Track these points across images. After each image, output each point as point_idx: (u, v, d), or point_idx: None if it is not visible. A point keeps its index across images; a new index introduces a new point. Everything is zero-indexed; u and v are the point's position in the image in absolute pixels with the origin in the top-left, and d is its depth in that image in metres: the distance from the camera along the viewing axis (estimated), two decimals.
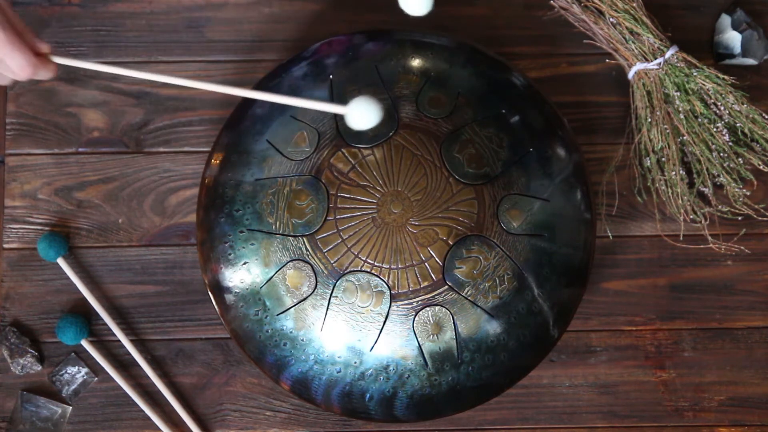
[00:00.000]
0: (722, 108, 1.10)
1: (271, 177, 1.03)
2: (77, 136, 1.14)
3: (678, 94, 1.10)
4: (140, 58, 1.16)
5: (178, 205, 1.14)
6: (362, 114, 0.85)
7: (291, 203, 1.01)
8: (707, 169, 1.10)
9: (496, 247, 1.01)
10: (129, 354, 1.11)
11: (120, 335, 1.11)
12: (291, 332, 1.02)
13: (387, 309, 1.00)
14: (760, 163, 1.11)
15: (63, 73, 1.15)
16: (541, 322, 1.03)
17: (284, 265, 1.01)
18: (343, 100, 1.04)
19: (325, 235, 1.00)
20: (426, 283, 1.00)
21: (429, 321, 1.00)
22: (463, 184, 1.01)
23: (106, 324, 1.11)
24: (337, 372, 1.03)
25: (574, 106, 1.16)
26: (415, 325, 1.00)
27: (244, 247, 1.03)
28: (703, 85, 1.10)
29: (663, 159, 1.10)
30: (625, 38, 1.11)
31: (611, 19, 1.11)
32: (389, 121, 1.02)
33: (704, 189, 1.11)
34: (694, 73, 1.10)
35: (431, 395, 1.03)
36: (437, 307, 1.00)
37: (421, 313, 1.00)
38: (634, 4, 1.10)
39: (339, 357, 1.02)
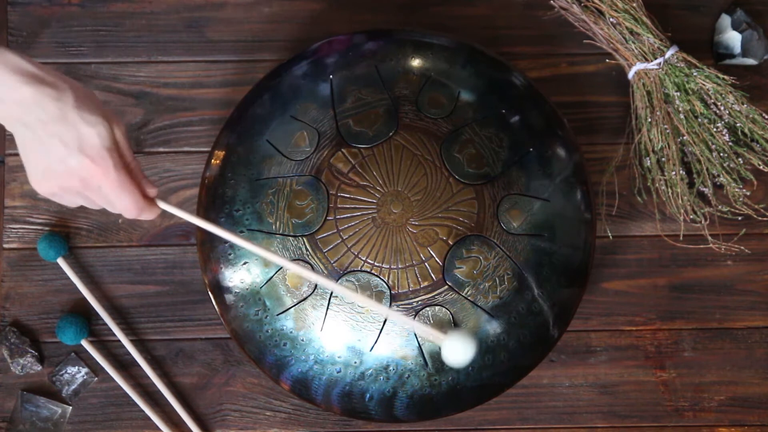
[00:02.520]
0: (722, 108, 1.10)
1: (271, 177, 1.03)
2: None
3: (678, 94, 1.10)
4: (140, 58, 1.16)
5: (178, 205, 1.13)
6: (458, 349, 0.84)
7: (291, 203, 1.01)
8: (707, 169, 1.10)
9: (496, 247, 1.01)
10: (129, 354, 1.11)
11: (120, 335, 1.11)
12: (291, 332, 1.02)
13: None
14: (760, 163, 1.11)
15: (63, 73, 1.15)
16: (541, 322, 1.03)
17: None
18: (343, 100, 1.04)
19: (325, 235, 1.00)
20: (426, 283, 1.00)
21: (429, 321, 1.00)
22: (463, 184, 1.01)
23: (106, 324, 1.11)
24: (337, 372, 1.03)
25: (574, 106, 1.16)
26: None
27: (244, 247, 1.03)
28: (703, 85, 1.10)
29: (663, 159, 1.10)
30: (625, 38, 1.11)
31: (611, 19, 1.11)
32: (389, 121, 1.02)
33: (704, 189, 1.11)
34: (694, 73, 1.10)
35: (431, 395, 1.03)
36: (437, 307, 1.00)
37: (421, 313, 1.00)
38: (634, 4, 1.10)
39: (339, 357, 1.02)
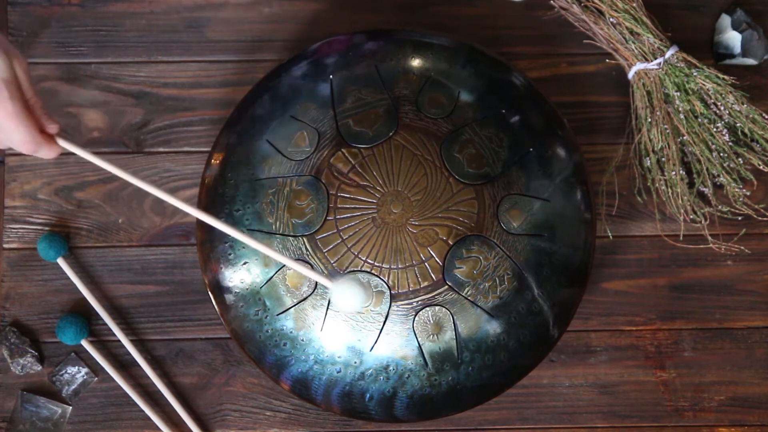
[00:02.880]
0: (722, 108, 1.10)
1: (271, 177, 1.03)
2: (77, 136, 1.14)
3: (678, 94, 1.10)
4: (140, 58, 1.16)
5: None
6: (347, 295, 0.87)
7: (291, 203, 1.01)
8: (707, 169, 1.10)
9: (496, 247, 1.01)
10: (129, 354, 1.11)
11: (120, 335, 1.11)
12: (291, 332, 1.02)
13: (387, 309, 1.00)
14: (760, 163, 1.11)
15: (63, 73, 1.15)
16: (541, 322, 1.03)
17: (284, 265, 1.01)
18: (343, 100, 1.04)
19: (325, 235, 1.00)
20: (426, 283, 1.00)
21: (429, 321, 1.00)
22: (463, 184, 1.01)
23: (106, 324, 1.11)
24: (337, 372, 1.03)
25: (574, 106, 1.16)
26: (415, 325, 1.00)
27: (244, 247, 1.03)
28: (703, 85, 1.10)
29: (663, 159, 1.10)
30: (625, 38, 1.11)
31: (611, 19, 1.11)
32: (389, 121, 1.02)
33: (704, 189, 1.11)
34: (694, 73, 1.10)
35: (431, 395, 1.03)
36: (437, 307, 1.00)
37: (421, 313, 1.00)
38: (634, 4, 1.10)
39: (339, 357, 1.02)
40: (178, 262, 1.13)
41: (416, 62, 1.06)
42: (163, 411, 1.11)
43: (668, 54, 1.10)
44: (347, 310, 0.95)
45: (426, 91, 1.04)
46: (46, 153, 0.86)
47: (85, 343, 1.10)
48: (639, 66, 1.10)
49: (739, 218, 1.12)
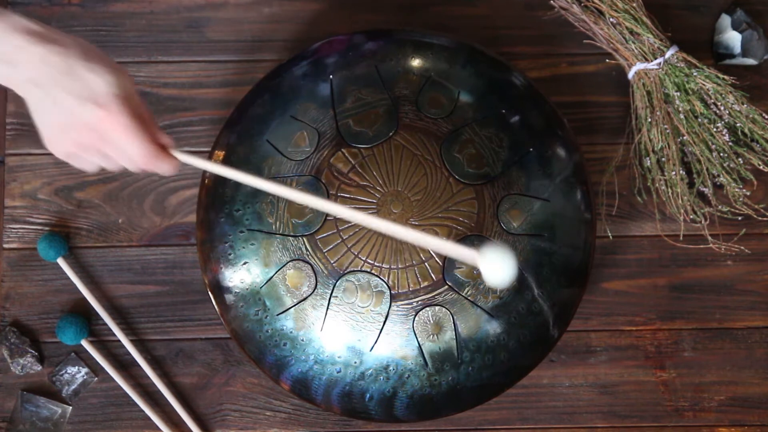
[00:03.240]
0: (722, 108, 1.10)
1: (271, 177, 1.03)
2: None
3: (678, 94, 1.10)
4: (140, 58, 1.16)
5: (178, 205, 1.14)
6: (497, 264, 0.79)
7: (291, 203, 1.01)
8: (707, 169, 1.10)
9: None
10: (129, 354, 1.11)
11: (120, 335, 1.11)
12: (291, 332, 1.02)
13: (387, 309, 1.00)
14: (760, 163, 1.11)
15: None
16: (541, 322, 1.03)
17: (284, 265, 1.01)
18: (343, 100, 1.04)
19: (325, 235, 1.00)
20: (426, 283, 1.00)
21: (429, 321, 1.00)
22: (463, 184, 1.01)
23: (106, 324, 1.11)
24: (337, 372, 1.03)
25: (574, 106, 1.16)
26: (415, 325, 1.00)
27: (244, 247, 1.03)
28: (703, 85, 1.10)
29: (663, 159, 1.10)
30: (625, 38, 1.11)
31: (611, 19, 1.11)
32: (389, 121, 1.02)
33: (704, 189, 1.11)
34: (694, 73, 1.10)
35: (431, 395, 1.03)
36: (437, 307, 1.00)
37: (421, 313, 1.00)
38: (634, 4, 1.10)
39: (339, 357, 1.02)
40: (178, 262, 1.13)
41: (416, 62, 1.06)
42: (163, 411, 1.11)
43: (668, 54, 1.10)
44: (499, 283, 0.82)
45: (426, 91, 1.04)
46: (165, 167, 0.83)
47: (85, 343, 1.10)
48: (639, 66, 1.10)
49: (739, 218, 1.12)
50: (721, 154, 1.10)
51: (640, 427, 1.13)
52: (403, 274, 1.00)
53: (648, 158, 1.11)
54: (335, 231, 1.00)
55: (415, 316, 1.00)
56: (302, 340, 1.02)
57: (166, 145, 0.84)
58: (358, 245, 1.00)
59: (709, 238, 1.11)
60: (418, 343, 1.01)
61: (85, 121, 0.79)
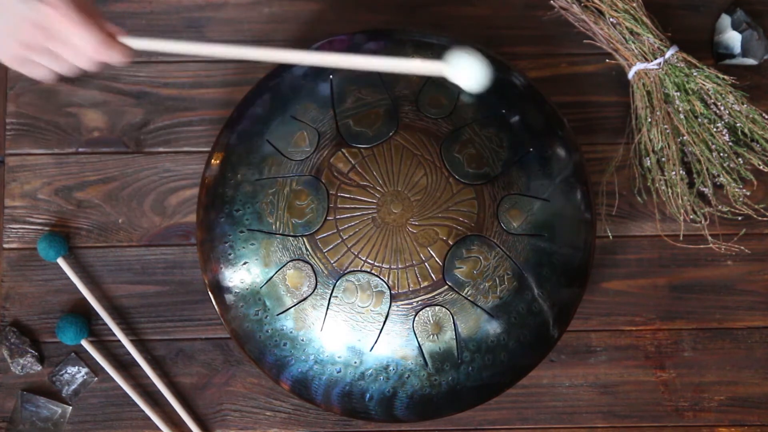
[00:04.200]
0: (722, 108, 1.10)
1: (271, 177, 1.03)
2: (77, 136, 1.14)
3: (678, 94, 1.10)
4: (140, 58, 1.16)
5: (178, 205, 1.14)
6: (466, 71, 0.76)
7: (291, 203, 1.01)
8: (707, 169, 1.10)
9: (496, 247, 1.01)
10: (129, 354, 1.11)
11: (120, 335, 1.11)
12: (291, 332, 1.02)
13: (387, 309, 1.00)
14: (760, 163, 1.11)
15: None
16: (541, 322, 1.03)
17: (284, 265, 1.01)
18: (343, 100, 1.04)
19: (325, 235, 1.00)
20: (426, 283, 1.00)
21: (429, 321, 1.00)
22: (463, 184, 1.01)
23: (106, 324, 1.11)
24: (337, 372, 1.03)
25: (574, 106, 1.16)
26: (415, 325, 1.00)
27: (244, 247, 1.03)
28: (703, 85, 1.10)
29: (663, 159, 1.10)
30: (625, 38, 1.11)
31: (611, 19, 1.11)
32: (389, 121, 1.02)
33: (704, 189, 1.11)
34: (694, 73, 1.10)
35: (431, 395, 1.03)
36: (437, 307, 1.00)
37: (421, 313, 1.00)
38: (634, 4, 1.10)
39: (339, 357, 1.02)
40: (178, 262, 1.13)
41: None
42: (163, 411, 1.11)
43: (668, 54, 1.10)
44: (475, 87, 0.80)
45: (426, 91, 1.04)
46: (117, 56, 0.83)
47: (85, 343, 1.10)
48: (639, 66, 1.10)
49: (739, 218, 1.12)
50: (721, 154, 1.10)
51: (640, 427, 1.13)
52: (403, 274, 1.00)
53: (648, 158, 1.11)
54: (335, 231, 1.00)
55: (415, 316, 1.00)
56: (302, 340, 1.02)
57: (115, 33, 0.83)
58: (358, 245, 1.00)
59: (709, 238, 1.11)
60: (418, 343, 1.01)
61: (31, 20, 0.79)
